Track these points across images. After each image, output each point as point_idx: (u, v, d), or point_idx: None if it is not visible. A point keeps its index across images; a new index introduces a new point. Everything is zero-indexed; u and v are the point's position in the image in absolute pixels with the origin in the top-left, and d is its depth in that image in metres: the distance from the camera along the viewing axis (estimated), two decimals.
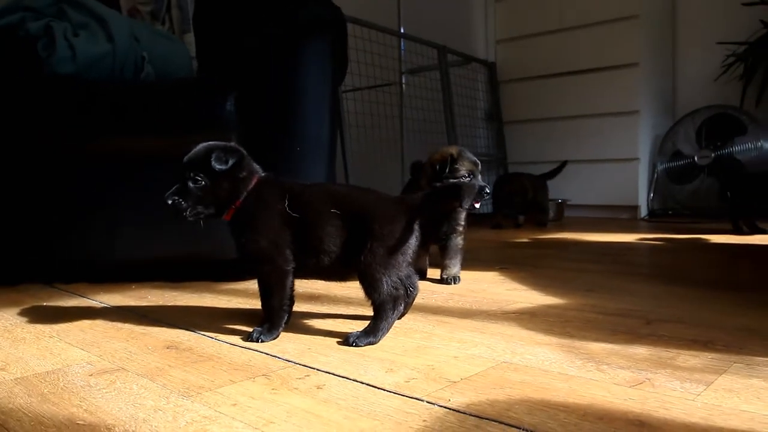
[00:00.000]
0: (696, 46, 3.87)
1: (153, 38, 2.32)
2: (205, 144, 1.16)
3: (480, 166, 1.63)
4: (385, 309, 1.10)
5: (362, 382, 0.89)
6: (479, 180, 1.60)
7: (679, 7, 3.92)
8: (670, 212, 3.71)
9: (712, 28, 3.76)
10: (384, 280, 1.10)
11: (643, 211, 3.71)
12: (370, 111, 3.47)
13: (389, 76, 3.69)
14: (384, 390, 0.86)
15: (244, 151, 1.17)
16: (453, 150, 1.62)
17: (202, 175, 1.13)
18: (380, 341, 1.10)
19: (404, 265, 1.14)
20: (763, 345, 1.03)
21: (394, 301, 1.11)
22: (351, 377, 0.91)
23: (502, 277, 1.75)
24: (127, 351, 1.09)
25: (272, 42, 1.89)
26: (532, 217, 3.36)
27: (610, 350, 1.02)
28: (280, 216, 1.14)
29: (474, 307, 1.38)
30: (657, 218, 3.63)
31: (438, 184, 1.56)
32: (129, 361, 1.03)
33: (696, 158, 3.57)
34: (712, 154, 3.52)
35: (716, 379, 0.87)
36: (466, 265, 1.76)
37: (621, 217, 3.74)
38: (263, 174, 1.20)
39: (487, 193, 1.54)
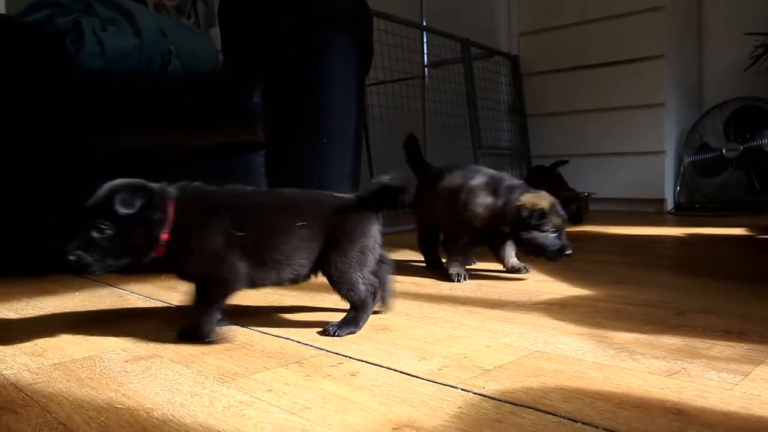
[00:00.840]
0: (723, 37, 3.80)
1: (179, 32, 2.35)
2: (109, 184, 1.02)
3: (567, 222, 1.54)
4: (367, 304, 1.11)
5: (396, 370, 0.89)
6: (563, 238, 1.52)
7: None
8: (697, 205, 3.66)
9: (740, 18, 3.70)
10: (360, 280, 1.09)
11: (670, 205, 3.67)
12: (394, 105, 3.47)
13: (412, 69, 3.69)
14: (418, 377, 0.86)
15: (154, 187, 1.04)
16: (545, 203, 1.50)
17: (107, 222, 0.99)
18: (408, 331, 1.10)
19: (373, 261, 1.13)
20: None
21: (374, 294, 1.12)
22: (384, 365, 0.92)
23: (529, 269, 1.74)
24: (160, 339, 1.11)
25: (297, 34, 1.90)
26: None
27: (643, 340, 1.01)
28: (223, 236, 1.04)
29: (503, 298, 1.37)
30: (684, 212, 3.58)
31: (523, 235, 1.50)
32: (163, 348, 1.05)
33: (724, 151, 3.52)
34: (741, 147, 3.46)
35: (753, 370, 0.86)
36: (492, 258, 1.75)
37: (647, 210, 3.70)
38: (181, 192, 1.07)
39: (567, 255, 1.49)
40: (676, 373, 0.85)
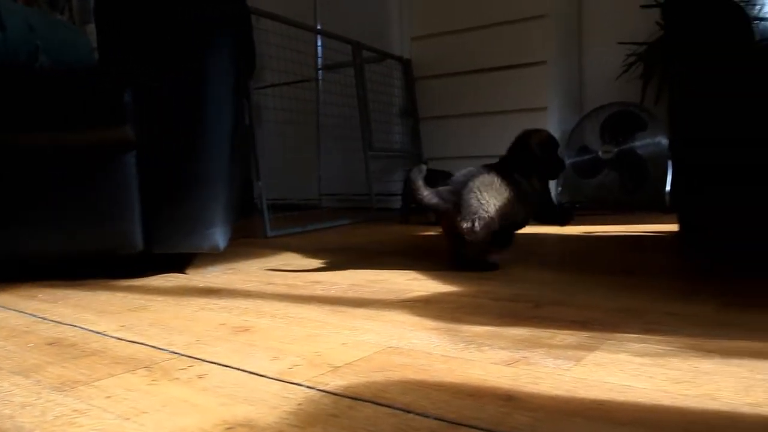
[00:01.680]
0: (600, 46, 4.03)
1: (50, 28, 2.24)
2: None
3: None
4: None
5: (244, 370, 0.89)
6: None
7: (585, 7, 4.08)
8: (577, 205, 3.85)
9: (615, 28, 3.93)
10: None
11: None
12: (287, 107, 3.45)
13: (306, 72, 3.68)
14: (265, 377, 0.86)
15: None
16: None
17: None
18: (268, 332, 1.10)
19: None
20: (636, 324, 1.09)
21: None
22: (234, 366, 0.91)
23: (403, 270, 1.77)
24: (4, 350, 1.05)
25: (175, 34, 1.85)
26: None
27: (493, 332, 1.05)
28: None
29: (372, 297, 1.39)
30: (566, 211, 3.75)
31: None
32: (5, 359, 0.99)
33: (600, 153, 3.73)
34: (615, 149, 3.68)
35: (587, 356, 0.91)
36: (372, 262, 1.77)
37: None
38: None
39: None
40: (516, 362, 0.89)
